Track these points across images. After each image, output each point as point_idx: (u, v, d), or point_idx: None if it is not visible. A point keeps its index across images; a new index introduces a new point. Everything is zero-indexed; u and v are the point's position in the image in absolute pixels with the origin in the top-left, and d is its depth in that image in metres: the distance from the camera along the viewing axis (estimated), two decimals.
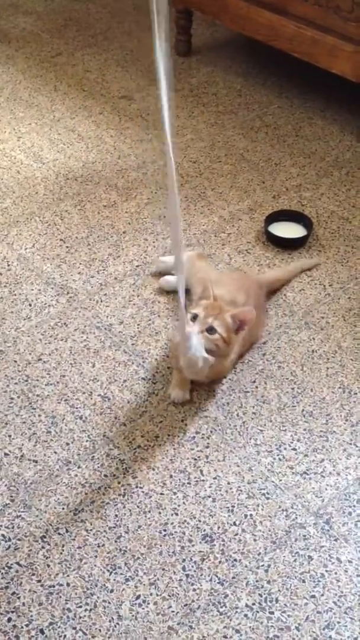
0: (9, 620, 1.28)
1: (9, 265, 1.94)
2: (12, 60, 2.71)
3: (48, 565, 1.35)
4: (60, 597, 1.31)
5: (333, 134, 2.41)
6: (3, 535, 1.39)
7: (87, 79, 2.63)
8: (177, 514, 1.42)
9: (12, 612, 1.29)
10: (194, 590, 1.32)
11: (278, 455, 1.53)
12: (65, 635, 1.26)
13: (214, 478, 1.48)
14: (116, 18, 2.97)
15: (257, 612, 1.30)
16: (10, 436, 1.55)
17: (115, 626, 1.27)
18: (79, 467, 1.49)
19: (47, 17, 2.97)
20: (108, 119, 2.45)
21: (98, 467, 1.50)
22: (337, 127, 2.43)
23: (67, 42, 2.82)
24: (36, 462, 1.50)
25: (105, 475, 1.48)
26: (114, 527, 1.40)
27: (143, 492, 1.46)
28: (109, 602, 1.30)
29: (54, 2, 3.07)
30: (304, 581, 1.34)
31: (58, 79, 2.62)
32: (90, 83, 2.61)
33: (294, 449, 1.54)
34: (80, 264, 1.95)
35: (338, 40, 2.26)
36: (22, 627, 1.27)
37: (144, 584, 1.33)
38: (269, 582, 1.34)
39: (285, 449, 1.54)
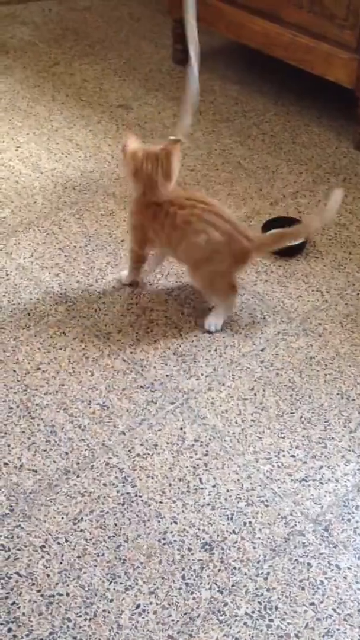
0: (9, 630, 1.28)
1: (7, 274, 1.95)
2: (10, 70, 2.73)
3: (48, 575, 1.35)
4: (60, 606, 1.31)
5: (329, 141, 2.42)
6: (2, 545, 1.39)
7: (84, 88, 2.65)
8: (176, 523, 1.43)
9: (12, 622, 1.29)
10: (194, 598, 1.32)
11: (277, 462, 1.53)
12: None
13: (213, 486, 1.49)
14: (113, 27, 2.99)
15: (257, 620, 1.30)
16: (9, 446, 1.55)
17: (115, 635, 1.28)
18: (78, 477, 1.50)
19: (45, 27, 2.98)
20: (106, 128, 2.46)
21: (97, 476, 1.50)
22: (333, 134, 2.44)
23: (65, 52, 2.84)
24: (35, 471, 1.51)
25: (105, 484, 1.49)
26: (113, 536, 1.41)
27: (142, 500, 1.46)
28: (109, 612, 1.31)
29: (52, 12, 3.09)
30: (303, 588, 1.34)
31: (56, 89, 2.64)
32: (88, 92, 2.63)
33: (293, 456, 1.54)
34: (79, 272, 1.95)
35: (333, 48, 2.27)
36: (22, 637, 1.27)
37: (144, 593, 1.33)
38: (268, 589, 1.34)
39: (284, 456, 1.54)
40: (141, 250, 1.84)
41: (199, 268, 1.76)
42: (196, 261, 1.76)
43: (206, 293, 1.83)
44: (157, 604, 1.31)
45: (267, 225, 2.05)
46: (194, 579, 1.35)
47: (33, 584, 1.34)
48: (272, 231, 1.90)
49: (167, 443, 1.56)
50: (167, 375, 1.70)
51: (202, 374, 1.70)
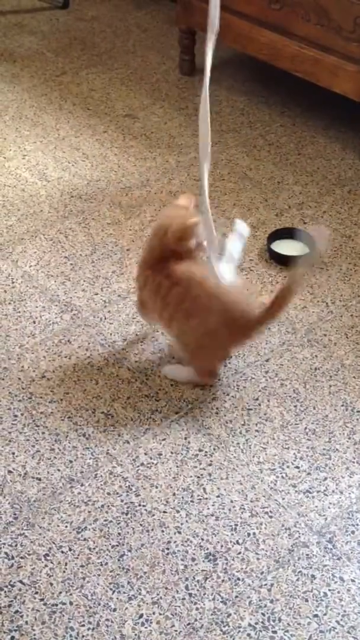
0: (12, 639, 1.28)
1: (13, 282, 1.95)
2: (18, 79, 2.74)
3: (51, 584, 1.35)
4: (63, 615, 1.31)
5: (335, 152, 2.43)
6: (6, 553, 1.39)
7: (91, 97, 2.66)
8: (180, 533, 1.42)
9: (15, 630, 1.29)
10: (197, 609, 1.32)
11: (281, 473, 1.53)
12: None
13: (217, 496, 1.49)
14: (120, 37, 3.01)
15: (260, 631, 1.30)
16: (14, 454, 1.55)
17: None
18: (82, 485, 1.50)
19: (52, 36, 3.00)
20: (112, 137, 2.47)
21: (101, 484, 1.50)
22: (339, 146, 2.45)
23: (72, 61, 2.86)
24: (40, 479, 1.51)
25: (109, 493, 1.49)
26: (117, 546, 1.40)
27: (146, 510, 1.46)
28: (112, 621, 1.30)
29: (59, 21, 3.11)
30: (307, 600, 1.34)
31: (63, 98, 2.65)
32: (95, 102, 2.64)
33: (297, 467, 1.54)
34: (84, 281, 1.96)
35: (340, 60, 2.28)
36: None
37: (147, 603, 1.33)
38: (272, 601, 1.33)
39: (288, 467, 1.54)
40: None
41: (192, 348, 1.62)
42: (188, 344, 1.62)
43: (186, 360, 1.67)
44: (160, 614, 1.31)
45: (273, 236, 2.06)
46: (198, 590, 1.35)
47: (36, 593, 1.34)
48: (263, 303, 1.60)
49: (172, 452, 1.56)
50: (171, 385, 1.70)
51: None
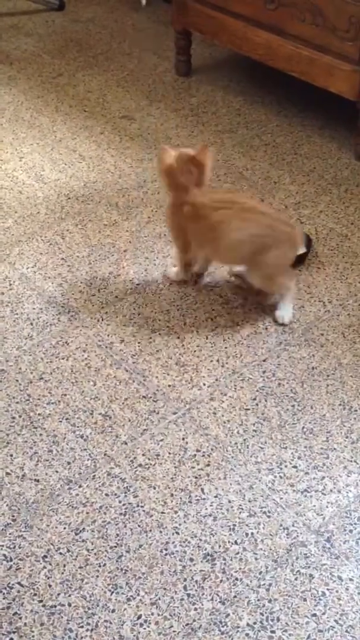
0: None
1: (10, 284, 1.95)
2: (14, 82, 2.75)
3: (49, 585, 1.35)
4: (62, 617, 1.31)
5: (331, 152, 2.43)
6: (4, 555, 1.40)
7: (88, 99, 2.67)
8: (178, 533, 1.43)
9: (14, 632, 1.29)
10: (196, 609, 1.32)
11: (279, 473, 1.53)
12: None
13: (215, 496, 1.49)
14: (116, 39, 3.01)
15: (259, 631, 1.30)
16: (11, 455, 1.55)
17: None
18: (80, 487, 1.50)
19: (49, 38, 3.01)
20: (109, 138, 2.48)
21: (99, 486, 1.50)
22: (335, 145, 2.45)
23: (68, 63, 2.86)
24: (37, 481, 1.51)
25: (107, 494, 1.49)
26: (115, 547, 1.41)
27: (144, 511, 1.46)
28: (111, 622, 1.31)
29: (55, 23, 3.11)
30: (305, 600, 1.34)
31: (59, 100, 2.65)
32: (91, 103, 2.64)
33: (295, 467, 1.54)
34: (82, 282, 1.96)
35: (335, 60, 2.28)
36: None
37: (145, 604, 1.33)
38: (270, 601, 1.34)
39: (285, 466, 1.54)
40: (186, 254, 1.88)
41: (253, 264, 1.80)
42: (244, 258, 1.81)
43: (267, 288, 1.85)
44: (158, 615, 1.31)
45: None
46: (196, 590, 1.35)
47: (35, 594, 1.34)
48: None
49: (169, 453, 1.56)
50: (169, 386, 1.70)
51: (204, 384, 1.71)
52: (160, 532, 1.43)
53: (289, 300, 1.86)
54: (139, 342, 1.80)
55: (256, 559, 1.39)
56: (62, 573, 1.37)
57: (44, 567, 1.38)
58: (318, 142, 2.47)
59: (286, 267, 1.83)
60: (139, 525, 1.44)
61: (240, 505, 1.47)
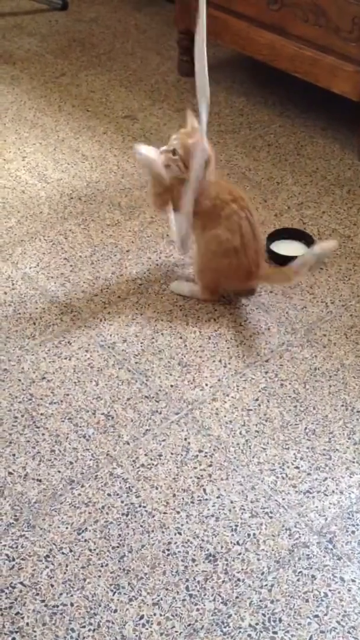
0: None
1: (13, 284, 1.96)
2: (17, 81, 2.75)
3: (52, 585, 1.35)
4: (64, 617, 1.31)
5: (334, 153, 2.43)
6: (7, 555, 1.40)
7: (90, 99, 2.67)
8: (180, 534, 1.43)
9: (16, 632, 1.29)
10: (198, 610, 1.32)
11: (281, 473, 1.53)
12: None
13: (217, 497, 1.49)
14: (119, 39, 3.01)
15: (261, 632, 1.30)
16: (14, 455, 1.55)
17: None
18: (82, 486, 1.50)
19: (52, 38, 3.01)
20: (112, 138, 2.48)
21: (101, 486, 1.50)
22: (338, 146, 2.45)
23: (71, 63, 2.86)
24: (40, 481, 1.51)
25: (109, 495, 1.49)
26: (118, 547, 1.41)
27: (146, 511, 1.46)
28: (113, 622, 1.31)
29: (58, 23, 3.11)
30: (307, 601, 1.34)
31: (62, 100, 2.66)
32: (94, 103, 2.64)
33: (297, 468, 1.54)
34: (84, 282, 1.96)
35: (338, 60, 2.28)
36: None
37: (148, 604, 1.33)
38: (272, 601, 1.34)
39: (288, 467, 1.54)
40: (156, 200, 1.90)
41: (210, 259, 1.84)
42: (208, 252, 1.84)
43: (196, 277, 1.90)
44: (160, 615, 1.31)
45: (272, 237, 2.06)
46: (198, 590, 1.35)
47: (37, 594, 1.34)
48: (281, 269, 1.88)
49: (172, 453, 1.56)
50: (171, 386, 1.70)
51: (206, 385, 1.71)
52: (163, 532, 1.43)
53: (191, 293, 1.91)
54: (141, 342, 1.80)
55: (258, 559, 1.39)
56: (65, 573, 1.37)
57: (46, 567, 1.38)
58: (321, 143, 2.47)
59: (220, 284, 1.88)
60: (141, 526, 1.44)
61: (242, 505, 1.47)
